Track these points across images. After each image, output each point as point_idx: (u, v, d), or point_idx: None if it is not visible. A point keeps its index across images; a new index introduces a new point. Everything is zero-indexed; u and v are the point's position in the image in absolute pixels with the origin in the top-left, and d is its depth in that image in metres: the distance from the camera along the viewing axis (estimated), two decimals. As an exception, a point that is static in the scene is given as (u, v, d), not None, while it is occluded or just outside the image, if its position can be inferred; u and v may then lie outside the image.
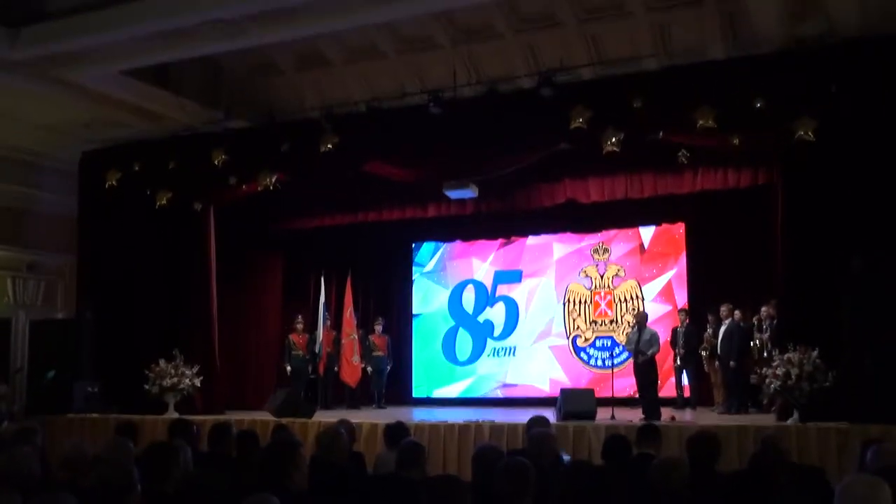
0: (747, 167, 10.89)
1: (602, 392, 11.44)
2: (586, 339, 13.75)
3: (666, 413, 10.18)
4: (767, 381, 9.01)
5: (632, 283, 13.61)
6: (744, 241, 11.93)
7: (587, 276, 13.88)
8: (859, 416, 8.27)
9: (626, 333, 11.70)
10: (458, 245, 14.93)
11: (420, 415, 11.54)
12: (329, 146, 10.92)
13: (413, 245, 15.16)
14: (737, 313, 11.19)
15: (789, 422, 8.82)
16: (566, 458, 5.72)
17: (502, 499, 3.58)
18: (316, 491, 4.22)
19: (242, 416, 11.05)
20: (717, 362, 11.47)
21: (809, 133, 8.91)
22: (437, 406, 13.54)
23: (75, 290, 13.18)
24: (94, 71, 10.39)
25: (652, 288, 13.47)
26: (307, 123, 11.24)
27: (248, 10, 8.95)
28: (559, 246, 14.14)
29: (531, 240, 14.32)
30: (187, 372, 11.61)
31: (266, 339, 13.99)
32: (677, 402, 11.80)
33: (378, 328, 13.75)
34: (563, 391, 10.41)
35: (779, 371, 8.85)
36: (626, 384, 11.74)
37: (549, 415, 7.81)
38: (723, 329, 11.23)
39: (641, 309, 12.81)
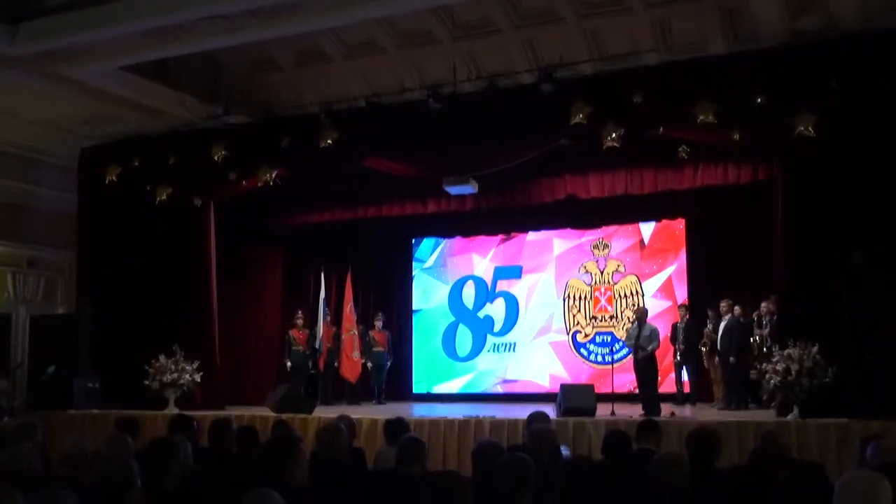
0: (747, 162, 10.88)
1: (602, 388, 11.47)
2: (586, 335, 13.74)
3: (666, 409, 10.17)
4: (767, 376, 9.01)
5: (632, 278, 13.60)
6: (744, 237, 11.91)
7: (587, 271, 13.86)
8: (859, 411, 8.26)
9: (626, 329, 11.70)
10: (458, 241, 14.91)
11: (420, 410, 11.53)
12: (329, 142, 10.93)
13: (413, 241, 15.15)
14: (737, 309, 11.18)
15: (789, 417, 8.83)
16: (566, 453, 5.72)
17: (502, 494, 3.58)
18: (316, 486, 4.22)
19: (242, 411, 11.09)
20: (716, 358, 11.46)
21: (810, 128, 8.91)
22: (438, 402, 13.55)
23: (75, 286, 13.20)
24: (93, 67, 10.37)
25: (652, 284, 13.45)
26: (307, 119, 11.25)
27: (248, 5, 8.95)
28: (559, 242, 14.12)
29: (531, 235, 14.30)
30: (187, 367, 11.60)
31: (266, 334, 13.99)
32: (677, 398, 11.77)
33: (378, 324, 13.75)
34: (563, 387, 10.40)
35: (779, 367, 8.85)
36: (626, 380, 11.77)
37: (550, 410, 7.83)
38: (723, 325, 11.23)
39: (641, 305, 12.79)
